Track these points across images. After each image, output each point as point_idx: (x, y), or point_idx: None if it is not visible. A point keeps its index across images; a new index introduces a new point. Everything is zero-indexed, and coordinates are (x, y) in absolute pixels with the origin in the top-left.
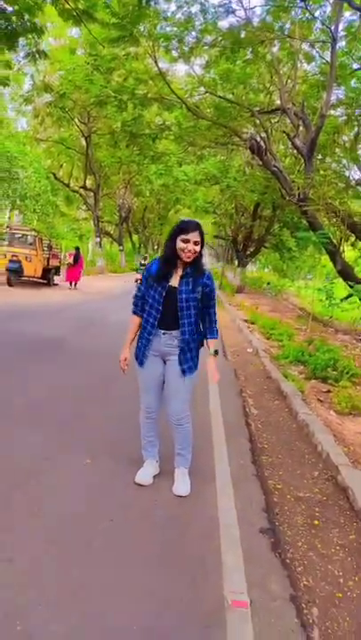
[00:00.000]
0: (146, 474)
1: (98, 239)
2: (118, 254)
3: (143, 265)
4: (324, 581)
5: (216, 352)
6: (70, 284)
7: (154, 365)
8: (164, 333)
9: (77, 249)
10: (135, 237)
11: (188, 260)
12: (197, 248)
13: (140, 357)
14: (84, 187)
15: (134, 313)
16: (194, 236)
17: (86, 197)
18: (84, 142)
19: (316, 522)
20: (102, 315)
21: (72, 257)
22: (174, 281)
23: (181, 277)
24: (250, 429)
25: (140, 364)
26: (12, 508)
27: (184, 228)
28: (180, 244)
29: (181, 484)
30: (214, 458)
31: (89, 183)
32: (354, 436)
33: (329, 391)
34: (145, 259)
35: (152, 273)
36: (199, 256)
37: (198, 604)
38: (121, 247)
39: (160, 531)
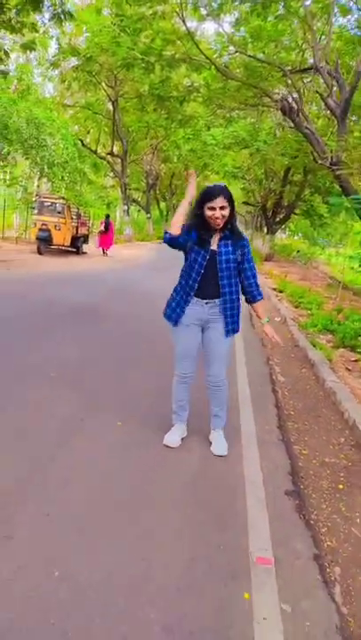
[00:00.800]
0: (175, 436)
1: (125, 207)
2: (146, 222)
3: None
4: (348, 543)
5: (268, 320)
6: (103, 250)
7: (193, 333)
8: (207, 303)
9: (107, 216)
10: (163, 205)
11: (219, 227)
12: (225, 213)
13: (175, 318)
14: (111, 153)
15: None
16: (220, 202)
17: (113, 164)
18: (110, 107)
19: (340, 486)
20: (132, 282)
21: (103, 225)
22: (213, 245)
23: (220, 239)
24: (276, 396)
25: (175, 323)
26: (54, 464)
27: (209, 194)
28: (207, 213)
29: (220, 444)
30: (241, 423)
31: (116, 149)
32: None
33: (357, 360)
34: None
35: (192, 238)
36: (232, 220)
37: (225, 559)
38: (149, 215)
39: (189, 490)
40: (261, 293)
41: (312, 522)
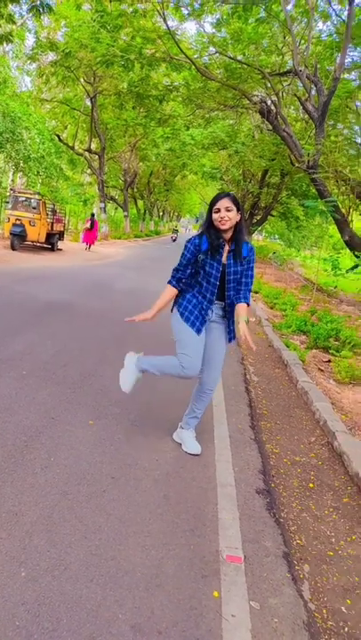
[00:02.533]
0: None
1: (102, 204)
2: (123, 220)
3: (176, 230)
4: (317, 540)
5: (247, 319)
6: (87, 245)
7: (203, 334)
8: (215, 304)
9: (93, 215)
10: (140, 203)
11: (225, 228)
12: (231, 214)
13: (198, 325)
14: (88, 149)
15: (171, 284)
16: (224, 203)
17: (91, 161)
18: (89, 103)
19: (311, 485)
20: (109, 279)
21: (89, 222)
22: (224, 258)
23: (228, 252)
24: (250, 396)
25: (198, 331)
26: (23, 463)
27: (215, 198)
28: (213, 216)
29: (195, 443)
30: (214, 421)
31: (94, 146)
32: (352, 405)
33: (330, 361)
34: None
35: (203, 250)
36: (240, 226)
37: (196, 558)
38: (126, 213)
39: (160, 489)
40: (249, 300)
41: (282, 520)
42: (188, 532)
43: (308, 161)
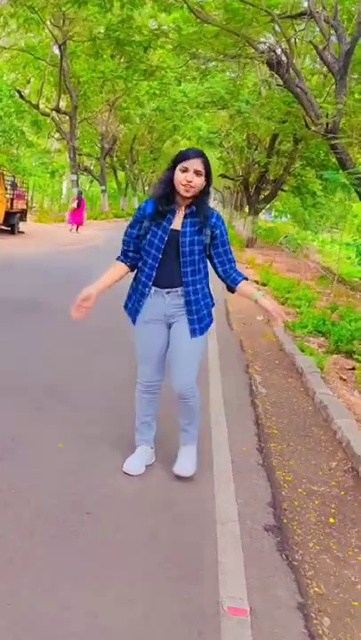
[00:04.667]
0: (137, 462)
1: (74, 176)
2: (100, 196)
3: None
4: (339, 588)
5: (262, 293)
6: (73, 226)
7: (156, 331)
8: (168, 292)
9: (80, 193)
10: (121, 175)
11: (187, 195)
12: (198, 181)
13: (134, 314)
14: (57, 109)
15: (118, 259)
16: (194, 164)
17: (60, 123)
18: (57, 51)
19: (331, 520)
20: (84, 270)
21: (76, 201)
22: (176, 223)
23: (184, 217)
24: (256, 411)
25: (133, 321)
26: None
27: (184, 154)
28: (178, 175)
29: (186, 462)
30: (212, 443)
31: (63, 104)
32: None
33: (354, 368)
34: None
35: (148, 214)
36: (205, 192)
37: (191, 611)
38: (103, 187)
39: (146, 527)
40: (242, 274)
41: (296, 563)
42: (180, 580)
43: (327, 123)
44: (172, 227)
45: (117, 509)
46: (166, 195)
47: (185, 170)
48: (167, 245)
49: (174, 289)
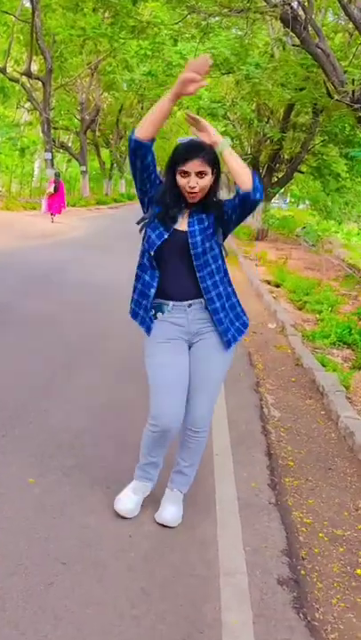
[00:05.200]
0: (133, 501)
1: (49, 155)
2: (79, 178)
3: None
4: None
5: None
6: (51, 215)
7: (178, 355)
8: (189, 305)
9: (57, 175)
10: (105, 153)
11: (194, 201)
12: (204, 182)
13: (148, 322)
14: (27, 73)
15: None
16: (195, 166)
17: (32, 90)
18: (28, 4)
19: (358, 571)
20: (60, 268)
21: (52, 185)
22: (181, 223)
23: (189, 216)
24: (268, 439)
25: (148, 330)
26: None
27: (180, 155)
28: (179, 181)
29: (174, 509)
30: (215, 477)
31: (35, 68)
32: None
33: None
34: None
35: (156, 211)
36: (212, 191)
37: None
38: (84, 168)
39: (135, 581)
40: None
41: (317, 623)
42: None
43: (353, 91)
44: (176, 227)
45: (99, 558)
46: (173, 199)
47: (186, 174)
48: (173, 250)
49: (197, 299)
